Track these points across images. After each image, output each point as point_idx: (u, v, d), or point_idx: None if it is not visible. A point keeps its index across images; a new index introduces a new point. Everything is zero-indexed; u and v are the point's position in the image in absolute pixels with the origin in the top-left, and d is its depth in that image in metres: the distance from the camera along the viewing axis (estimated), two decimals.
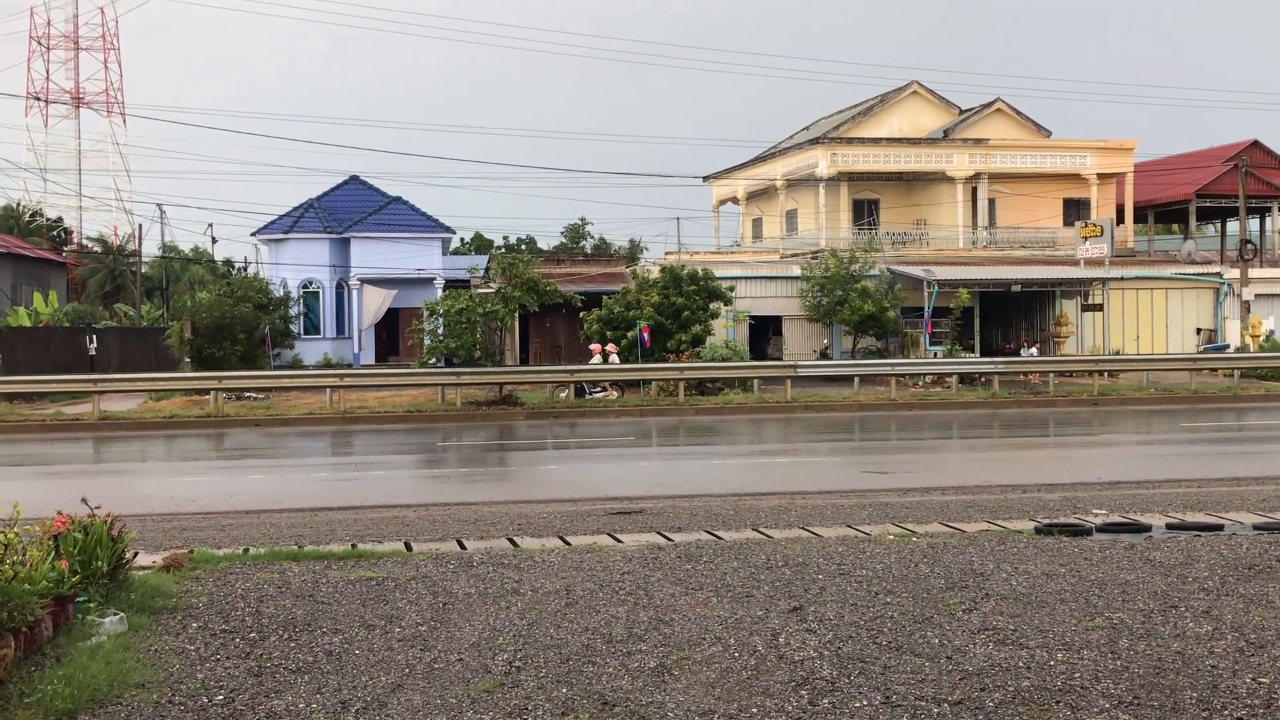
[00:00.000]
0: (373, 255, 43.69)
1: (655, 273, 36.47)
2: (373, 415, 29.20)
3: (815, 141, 48.50)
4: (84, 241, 75.68)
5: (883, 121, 51.14)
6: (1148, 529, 11.07)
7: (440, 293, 39.14)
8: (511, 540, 11.08)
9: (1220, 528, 11.14)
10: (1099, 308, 40.34)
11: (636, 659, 6.96)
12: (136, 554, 9.66)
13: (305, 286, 44.14)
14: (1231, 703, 6.12)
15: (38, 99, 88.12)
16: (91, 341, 36.47)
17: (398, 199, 45.87)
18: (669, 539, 10.99)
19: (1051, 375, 34.12)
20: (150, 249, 68.60)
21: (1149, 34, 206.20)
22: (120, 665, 6.68)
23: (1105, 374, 34.83)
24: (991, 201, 48.48)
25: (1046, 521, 11.42)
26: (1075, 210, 48.25)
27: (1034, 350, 39.78)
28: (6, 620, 6.50)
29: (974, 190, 48.32)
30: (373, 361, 43.66)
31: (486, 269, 42.25)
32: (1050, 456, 21.23)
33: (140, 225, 60.87)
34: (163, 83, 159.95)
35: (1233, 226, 54.13)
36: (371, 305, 42.48)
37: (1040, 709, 6.06)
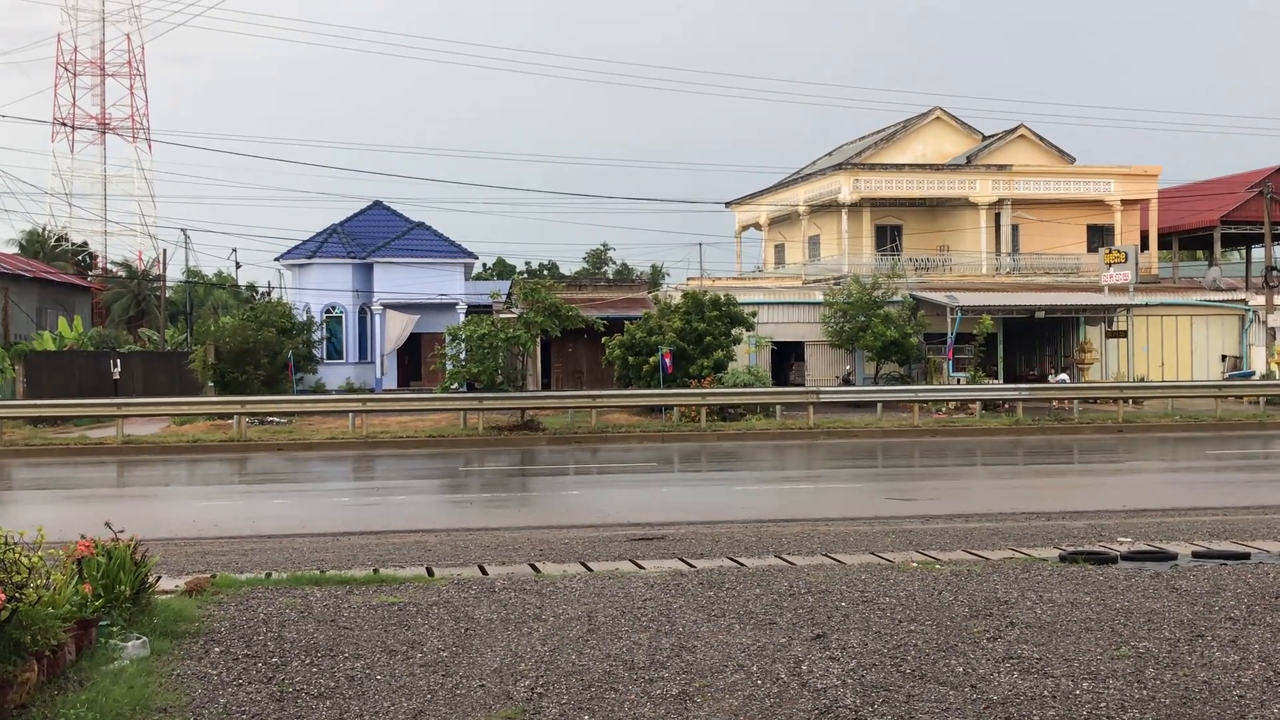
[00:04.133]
0: (396, 280, 43.78)
1: (677, 298, 36.49)
2: (395, 440, 29.27)
3: (838, 167, 48.49)
4: (108, 266, 76.24)
5: (906, 147, 51.12)
6: (1173, 557, 11.00)
7: (463, 318, 39.25)
8: (533, 566, 11.08)
9: (1247, 556, 11.05)
10: (1123, 334, 40.16)
11: (659, 686, 6.93)
12: (159, 578, 9.67)
13: (328, 311, 44.23)
14: None
15: (64, 125, 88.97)
16: (115, 366, 36.65)
17: (421, 224, 45.95)
18: (691, 565, 10.96)
19: (1076, 402, 33.99)
20: (174, 274, 69.21)
21: (1173, 60, 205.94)
22: (142, 690, 6.69)
23: (1130, 401, 34.65)
24: (1015, 228, 48.35)
25: (1071, 549, 11.35)
26: (1099, 237, 48.07)
27: (1064, 376, 39.57)
28: (30, 644, 6.51)
29: (997, 216, 48.21)
30: (395, 386, 43.68)
31: (509, 294, 42.37)
32: (1074, 483, 21.10)
33: (164, 250, 60.99)
34: (188, 108, 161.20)
35: (1258, 253, 53.81)
36: (394, 330, 42.55)
37: None
